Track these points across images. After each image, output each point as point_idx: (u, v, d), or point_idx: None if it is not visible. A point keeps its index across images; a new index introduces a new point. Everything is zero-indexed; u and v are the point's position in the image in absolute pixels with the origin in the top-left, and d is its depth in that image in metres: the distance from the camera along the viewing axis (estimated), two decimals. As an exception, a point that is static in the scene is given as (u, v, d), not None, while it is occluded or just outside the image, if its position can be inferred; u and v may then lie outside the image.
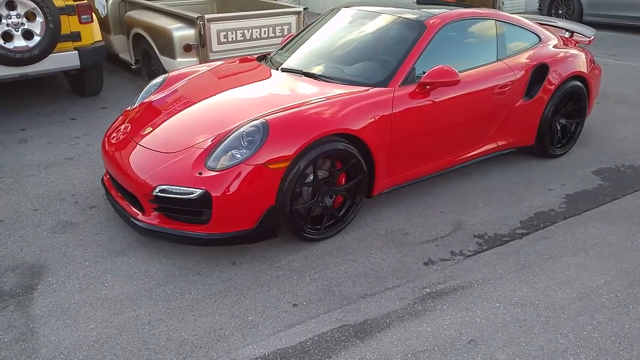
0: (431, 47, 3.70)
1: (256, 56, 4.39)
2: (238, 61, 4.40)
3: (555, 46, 4.48)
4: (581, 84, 4.46)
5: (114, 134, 3.50)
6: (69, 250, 3.23)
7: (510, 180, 4.18)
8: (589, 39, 4.88)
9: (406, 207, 3.75)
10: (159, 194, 2.95)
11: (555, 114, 4.42)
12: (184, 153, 3.05)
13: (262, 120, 3.02)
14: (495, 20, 4.16)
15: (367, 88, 3.46)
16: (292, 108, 3.16)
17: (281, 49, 4.35)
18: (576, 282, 2.95)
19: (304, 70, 3.79)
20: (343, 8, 4.41)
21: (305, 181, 3.15)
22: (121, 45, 6.80)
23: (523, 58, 4.18)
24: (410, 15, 3.92)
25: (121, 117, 3.77)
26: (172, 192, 2.93)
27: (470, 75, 3.82)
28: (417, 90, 3.52)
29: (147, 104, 3.76)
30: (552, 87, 4.24)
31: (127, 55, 6.73)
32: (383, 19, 4.02)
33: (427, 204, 3.81)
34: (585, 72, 4.47)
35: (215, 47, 5.75)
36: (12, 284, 2.91)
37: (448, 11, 3.95)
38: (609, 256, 3.20)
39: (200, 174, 2.91)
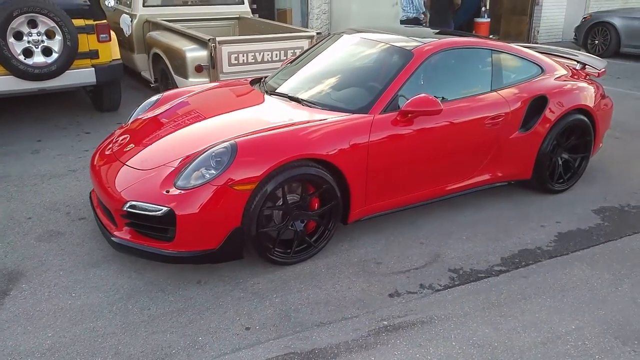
0: (417, 75, 3.68)
1: (250, 79, 4.47)
2: (233, 84, 4.48)
3: (559, 78, 4.36)
4: (585, 118, 4.31)
5: (102, 150, 3.63)
6: (48, 259, 3.34)
7: (503, 214, 4.06)
8: (598, 72, 4.72)
9: (386, 236, 3.69)
10: (129, 209, 3.03)
11: (557, 147, 4.28)
12: (156, 171, 3.12)
13: (231, 141, 3.07)
14: (492, 50, 4.09)
15: (348, 114, 3.46)
16: (265, 131, 3.19)
17: (278, 72, 4.42)
18: (544, 326, 2.82)
19: (290, 95, 3.83)
20: (345, 34, 4.45)
21: (275, 204, 3.17)
22: (143, 64, 7.06)
23: (520, 89, 4.08)
24: (403, 43, 3.91)
25: (115, 133, 3.91)
26: (140, 209, 2.99)
27: (458, 105, 3.77)
28: (398, 118, 3.49)
29: (138, 121, 3.88)
30: (551, 120, 4.11)
31: (147, 73, 6.98)
32: (377, 46, 4.03)
33: (408, 233, 3.74)
34: (591, 105, 4.32)
35: (226, 68, 5.89)
36: (-14, 288, 3.04)
37: (441, 40, 3.92)
38: (587, 301, 3.05)
39: (168, 191, 2.97)
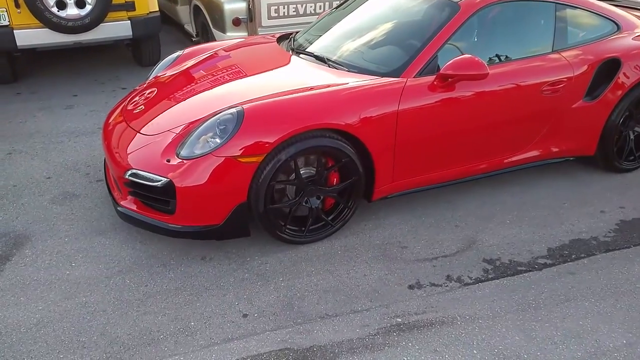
0: (463, 32, 3.17)
1: (278, 35, 4.08)
2: (259, 41, 4.11)
3: (638, 37, 3.69)
4: (668, 86, 3.64)
5: (114, 111, 3.42)
6: (57, 223, 3.22)
7: (557, 195, 3.55)
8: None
9: (417, 216, 3.30)
10: (130, 177, 2.81)
11: (629, 119, 3.66)
12: (161, 137, 2.87)
13: (238, 107, 2.75)
14: (557, 3, 3.48)
15: (376, 77, 3.04)
16: (277, 96, 2.85)
17: (310, 28, 4.00)
18: (588, 338, 2.39)
19: (317, 55, 3.43)
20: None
21: (287, 178, 2.85)
22: (185, 16, 6.80)
23: (588, 50, 3.47)
24: (449, -6, 3.38)
25: (133, 91, 3.69)
26: (141, 178, 2.77)
27: (509, 68, 3.24)
28: (435, 82, 3.03)
29: (154, 81, 3.63)
30: (624, 87, 3.50)
31: (190, 26, 6.72)
32: (420, -3, 3.52)
33: (442, 214, 3.33)
34: (676, 71, 3.64)
35: (265, 21, 5.52)
36: (-11, 253, 2.95)
37: (494, -9, 3.36)
38: (646, 308, 2.58)
39: (168, 161, 2.71)
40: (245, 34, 5.49)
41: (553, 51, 3.41)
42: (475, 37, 3.32)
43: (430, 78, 3.04)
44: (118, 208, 2.95)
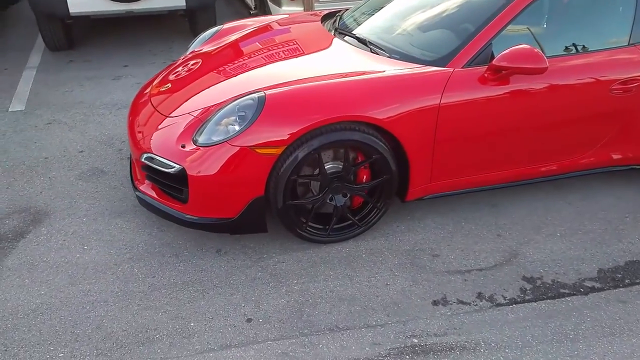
0: (524, 17, 2.79)
1: (324, 13, 3.81)
2: (304, 19, 3.85)
3: None
4: None
5: (144, 88, 3.29)
6: (79, 201, 3.16)
7: (619, 207, 3.13)
8: None
9: (455, 220, 3.00)
10: (145, 161, 2.68)
11: None
12: (179, 120, 2.71)
13: (260, 93, 2.53)
14: (640, -13, 3.00)
15: (419, 66, 2.73)
16: (304, 82, 2.61)
17: (361, 5, 3.70)
18: (635, 384, 2.06)
19: (359, 37, 3.14)
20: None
21: (313, 172, 2.64)
22: (243, -12, 6.63)
23: (675, 45, 2.99)
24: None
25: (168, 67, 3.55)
26: (156, 163, 2.63)
27: (574, 62, 2.83)
28: (486, 74, 2.69)
29: (187, 57, 3.48)
30: None
31: (249, -1, 6.56)
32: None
33: (486, 220, 3.01)
34: None
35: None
36: (9, 227, 2.93)
37: (564, -29, 2.93)
38: None
39: (183, 147, 2.55)
40: (301, 8, 5.25)
41: (630, 44, 2.95)
42: (537, 24, 2.92)
43: (480, 69, 2.70)
44: (136, 192, 2.83)
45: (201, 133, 2.54)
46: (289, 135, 2.44)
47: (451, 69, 2.69)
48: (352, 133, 2.53)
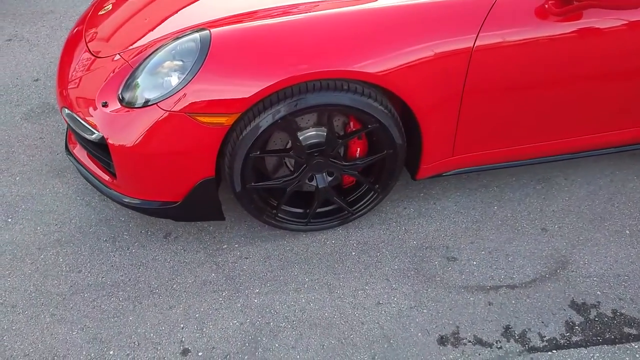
0: None
1: None
2: None
3: None
4: None
5: (83, 18, 2.50)
6: (17, 151, 2.58)
7: None
8: None
9: (487, 203, 2.24)
10: (67, 119, 2.00)
11: None
12: (107, 63, 1.97)
13: (204, 30, 1.74)
14: None
15: (444, -11, 1.84)
16: (270, 16, 1.78)
17: None
18: None
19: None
20: None
21: (284, 146, 1.91)
22: None
23: None
24: None
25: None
26: (77, 124, 1.95)
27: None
28: (549, 5, 1.79)
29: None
30: None
31: None
32: None
33: (528, 204, 2.24)
34: None
35: None
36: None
37: None
38: None
39: (105, 105, 1.84)
40: None
41: None
42: None
43: (540, -3, 1.79)
44: (68, 156, 2.19)
45: (128, 87, 1.81)
46: (244, 98, 1.68)
47: (495, -6, 1.79)
48: (338, 94, 1.74)
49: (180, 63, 1.73)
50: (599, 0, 1.70)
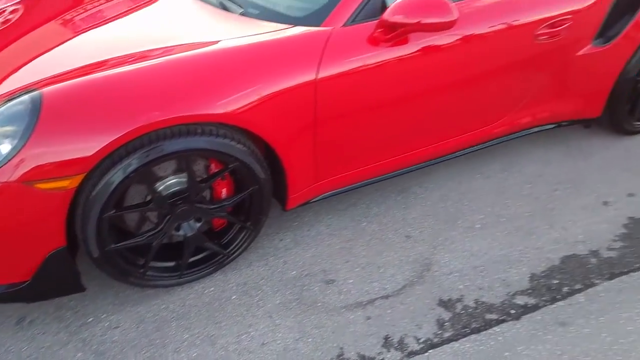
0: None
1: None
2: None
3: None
4: None
5: None
6: None
7: (546, 176, 2.60)
8: None
9: (356, 220, 2.35)
10: None
11: (649, 67, 2.64)
12: None
13: (34, 91, 1.62)
14: None
15: (285, 27, 1.91)
16: (111, 65, 1.72)
17: None
18: None
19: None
20: None
21: (144, 200, 1.83)
22: None
23: (607, -31, 2.35)
24: None
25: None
26: None
27: (487, 4, 2.12)
28: (377, 33, 1.93)
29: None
30: (651, 24, 2.43)
31: None
32: None
33: (392, 215, 2.38)
34: None
35: None
36: None
37: None
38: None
39: None
40: None
41: (555, -30, 2.28)
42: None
43: (369, 25, 1.94)
44: None
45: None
46: (87, 157, 1.58)
47: (329, 28, 1.89)
48: (192, 139, 1.72)
49: (11, 129, 1.58)
50: (418, 26, 1.86)
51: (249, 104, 1.76)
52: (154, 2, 2.20)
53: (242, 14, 1.99)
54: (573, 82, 2.48)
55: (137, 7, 2.17)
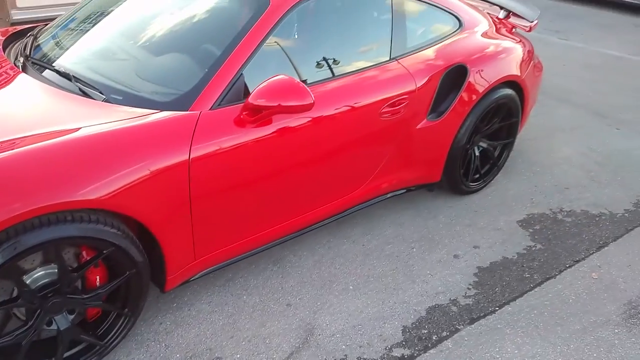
0: (276, 38, 2.25)
1: (11, 31, 2.76)
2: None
3: (484, 34, 3.13)
4: (514, 93, 3.16)
5: None
6: None
7: (403, 236, 2.89)
8: (530, 25, 3.53)
9: (236, 295, 2.39)
10: None
11: (474, 135, 3.11)
12: None
13: None
14: (392, -5, 2.73)
15: (152, 112, 1.99)
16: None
17: (62, 19, 2.74)
18: None
19: (61, 70, 2.22)
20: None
21: (3, 299, 1.71)
22: None
23: (431, 55, 2.81)
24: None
25: None
26: None
27: (340, 85, 2.42)
28: (243, 115, 2.09)
29: None
30: (472, 100, 2.91)
31: None
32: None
33: (271, 286, 2.46)
34: (521, 74, 3.16)
35: (21, 0, 4.04)
36: None
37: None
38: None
39: None
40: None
41: (391, 59, 2.67)
42: (294, 43, 2.42)
43: (235, 108, 2.09)
44: None
45: None
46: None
47: (197, 112, 2.01)
48: (62, 227, 1.68)
49: None
50: (280, 108, 2.05)
51: (122, 187, 1.77)
52: (3, 86, 2.14)
53: (105, 101, 2.03)
54: (415, 152, 2.84)
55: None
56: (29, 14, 4.02)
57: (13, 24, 3.85)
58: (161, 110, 1.99)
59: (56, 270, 1.79)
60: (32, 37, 2.57)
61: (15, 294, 1.74)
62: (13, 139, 1.75)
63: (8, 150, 1.67)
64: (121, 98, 2.05)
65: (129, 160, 1.80)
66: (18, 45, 2.55)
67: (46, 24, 2.80)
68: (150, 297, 2.26)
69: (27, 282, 1.72)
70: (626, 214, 3.20)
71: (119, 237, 1.82)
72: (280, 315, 2.30)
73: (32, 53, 2.40)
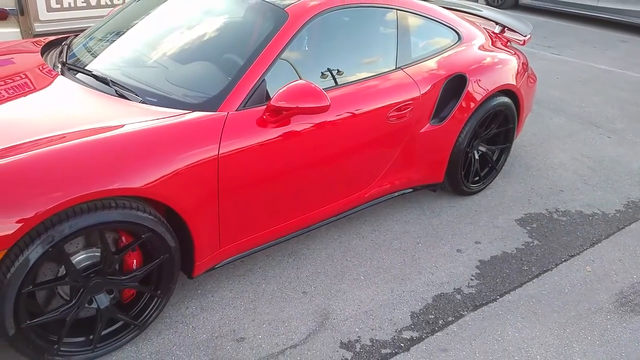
0: (294, 47, 2.47)
1: (48, 40, 2.98)
2: (19, 46, 2.94)
3: (481, 47, 3.36)
4: (510, 101, 3.38)
5: None
6: None
7: (409, 232, 3.08)
8: (523, 39, 3.78)
9: (255, 283, 2.56)
10: None
11: (473, 139, 3.33)
12: None
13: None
14: (398, 10, 2.96)
15: (184, 112, 2.19)
16: (18, 151, 1.84)
17: (93, 31, 2.96)
18: None
19: (99, 74, 2.43)
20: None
21: (56, 276, 1.89)
22: None
23: (433, 65, 3.03)
24: (273, -4, 2.64)
25: None
26: None
27: (352, 91, 2.63)
28: (266, 116, 2.29)
29: None
30: (471, 107, 3.13)
31: None
32: (236, 1, 2.72)
33: (287, 275, 2.63)
34: (516, 84, 3.39)
35: (43, 14, 4.25)
36: None
37: (327, -6, 2.69)
38: (531, 385, 2.16)
39: None
40: (17, 30, 4.18)
41: (397, 68, 2.88)
42: (309, 53, 2.63)
43: (258, 110, 2.29)
44: None
45: None
46: (8, 234, 1.66)
47: (225, 113, 2.21)
48: (106, 213, 1.87)
49: None
50: (298, 110, 2.25)
51: (160, 177, 1.96)
52: (46, 87, 2.34)
53: (142, 102, 2.23)
54: (420, 154, 3.04)
55: (30, 91, 2.30)
56: (50, 27, 4.24)
57: (36, 36, 4.07)
58: (193, 111, 2.19)
59: (97, 254, 1.97)
60: (66, 45, 2.78)
61: (60, 274, 1.91)
62: (63, 134, 1.95)
63: (64, 142, 1.86)
64: (156, 100, 2.26)
65: (166, 154, 2.00)
66: (54, 51, 2.75)
67: (76, 34, 3.01)
68: (177, 285, 2.44)
69: (74, 262, 1.90)
70: (617, 214, 3.40)
71: (156, 224, 2.00)
72: (297, 301, 2.48)
73: (68, 58, 2.61)
